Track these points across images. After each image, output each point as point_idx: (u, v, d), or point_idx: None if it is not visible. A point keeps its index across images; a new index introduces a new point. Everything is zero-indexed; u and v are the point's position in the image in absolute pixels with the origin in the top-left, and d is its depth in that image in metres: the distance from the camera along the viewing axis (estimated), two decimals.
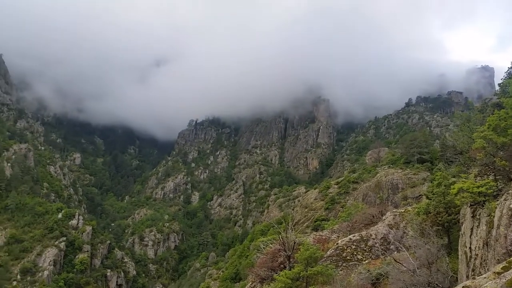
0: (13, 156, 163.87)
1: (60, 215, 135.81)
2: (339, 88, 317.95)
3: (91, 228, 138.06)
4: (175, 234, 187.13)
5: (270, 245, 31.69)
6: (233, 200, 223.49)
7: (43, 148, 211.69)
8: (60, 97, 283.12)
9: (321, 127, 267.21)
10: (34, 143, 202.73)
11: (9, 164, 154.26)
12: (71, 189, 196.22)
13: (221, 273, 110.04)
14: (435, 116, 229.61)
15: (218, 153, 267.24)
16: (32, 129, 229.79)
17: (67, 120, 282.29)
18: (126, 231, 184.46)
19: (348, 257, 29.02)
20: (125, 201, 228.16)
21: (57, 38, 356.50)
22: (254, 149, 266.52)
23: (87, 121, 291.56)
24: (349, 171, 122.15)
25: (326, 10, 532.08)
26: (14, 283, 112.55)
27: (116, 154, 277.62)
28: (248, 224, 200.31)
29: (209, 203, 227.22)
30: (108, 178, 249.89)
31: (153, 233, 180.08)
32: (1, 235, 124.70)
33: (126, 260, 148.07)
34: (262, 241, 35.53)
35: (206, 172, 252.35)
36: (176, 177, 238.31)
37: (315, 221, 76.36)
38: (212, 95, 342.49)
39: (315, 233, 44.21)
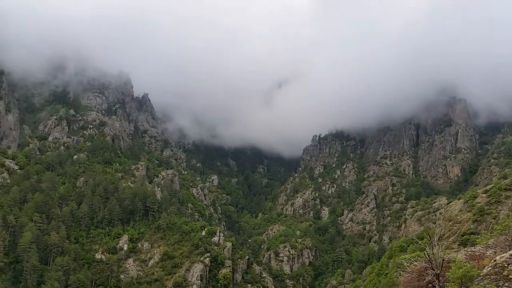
0: (162, 182, 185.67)
1: (203, 233, 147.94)
2: (477, 85, 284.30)
3: (231, 244, 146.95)
4: (308, 250, 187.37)
5: (415, 262, 29.44)
6: (365, 214, 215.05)
7: (186, 172, 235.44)
8: (197, 125, 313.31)
9: (459, 130, 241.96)
10: (178, 169, 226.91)
11: (159, 189, 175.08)
12: (212, 208, 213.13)
13: None
14: None
15: (344, 166, 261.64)
16: (176, 156, 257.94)
17: (204, 146, 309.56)
18: (262, 246, 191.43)
19: (510, 276, 25.27)
20: (258, 217, 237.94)
21: (191, 74, 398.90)
22: (384, 159, 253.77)
23: (220, 145, 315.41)
24: (499, 177, 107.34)
25: (449, 6, 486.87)
26: None
27: (247, 174, 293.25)
28: (384, 240, 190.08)
29: (339, 218, 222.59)
30: (242, 196, 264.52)
31: (287, 248, 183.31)
32: (156, 252, 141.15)
33: (264, 275, 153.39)
34: (405, 258, 33.25)
35: (333, 187, 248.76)
36: (304, 193, 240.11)
37: (463, 235, 68.71)
38: (334, 108, 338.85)
39: (465, 248, 39.70)
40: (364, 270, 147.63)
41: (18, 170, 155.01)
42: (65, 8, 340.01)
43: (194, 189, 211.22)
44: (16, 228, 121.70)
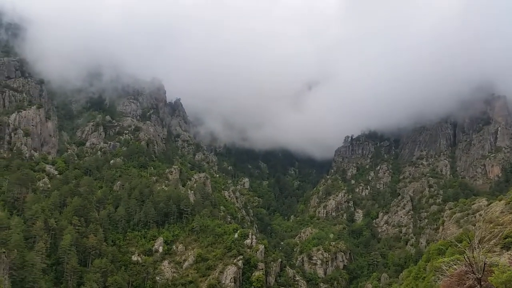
0: (195, 185, 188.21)
1: (236, 235, 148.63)
2: None
3: (263, 247, 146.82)
4: (342, 253, 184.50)
5: (454, 266, 28.36)
6: (401, 217, 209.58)
7: (217, 175, 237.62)
8: (228, 129, 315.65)
9: (499, 128, 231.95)
10: (210, 172, 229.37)
11: (192, 192, 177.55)
12: (243, 211, 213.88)
13: None
14: None
15: (378, 167, 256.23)
16: (208, 160, 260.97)
17: (235, 149, 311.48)
18: (294, 249, 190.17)
19: None
20: (290, 220, 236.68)
21: (221, 78, 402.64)
22: (420, 160, 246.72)
23: (251, 148, 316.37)
24: None
25: (483, 1, 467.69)
26: None
27: (278, 176, 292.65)
28: (421, 243, 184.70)
29: (374, 221, 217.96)
30: (274, 199, 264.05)
31: (320, 252, 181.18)
32: (190, 254, 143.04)
33: (297, 278, 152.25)
34: (444, 261, 32.10)
35: (367, 189, 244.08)
36: (337, 195, 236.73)
37: (505, 238, 65.69)
38: (367, 108, 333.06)
39: (508, 252, 37.98)
40: (401, 274, 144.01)
41: (58, 175, 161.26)
42: (100, 18, 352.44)
43: (226, 192, 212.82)
44: (57, 231, 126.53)
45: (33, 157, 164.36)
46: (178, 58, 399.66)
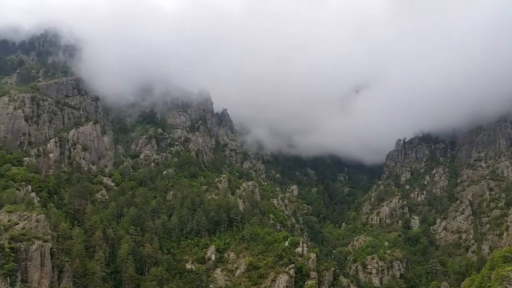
0: (243, 193, 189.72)
1: (286, 243, 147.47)
2: None
3: (315, 255, 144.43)
4: (399, 261, 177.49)
5: None
6: (460, 222, 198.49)
7: (265, 183, 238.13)
8: (274, 136, 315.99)
9: None
10: (258, 180, 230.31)
11: (241, 200, 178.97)
12: (293, 219, 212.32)
13: None
14: None
15: (434, 171, 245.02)
16: (255, 168, 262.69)
17: (281, 156, 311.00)
18: (347, 258, 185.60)
19: None
20: (342, 228, 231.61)
21: (265, 85, 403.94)
22: (478, 162, 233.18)
23: (298, 154, 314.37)
24: None
25: None
26: None
27: (327, 183, 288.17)
28: (483, 250, 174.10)
29: (431, 227, 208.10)
30: (324, 206, 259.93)
31: (375, 260, 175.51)
32: (242, 262, 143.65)
33: (352, 287, 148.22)
34: (510, 270, 29.96)
35: (423, 194, 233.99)
36: (390, 201, 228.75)
37: None
38: (418, 110, 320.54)
39: None
40: (462, 283, 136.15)
41: (115, 187, 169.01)
42: (150, 35, 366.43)
43: (275, 199, 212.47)
44: (115, 240, 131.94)
45: (91, 170, 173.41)
46: (224, 68, 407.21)
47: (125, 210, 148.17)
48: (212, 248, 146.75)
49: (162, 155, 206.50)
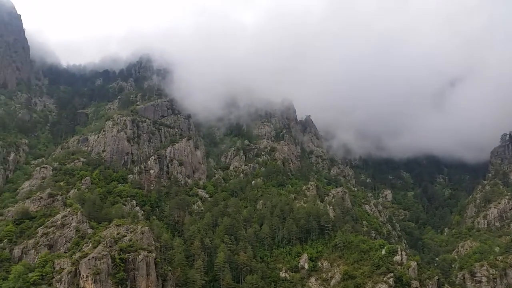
0: (333, 200, 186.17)
1: (383, 251, 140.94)
2: None
3: (415, 263, 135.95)
4: None
5: None
6: None
7: (356, 189, 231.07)
8: (361, 139, 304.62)
9: None
10: (348, 186, 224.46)
11: (331, 207, 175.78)
12: (389, 225, 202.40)
13: None
14: None
15: None
16: (344, 174, 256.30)
17: (371, 160, 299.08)
18: (452, 266, 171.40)
19: None
20: (444, 233, 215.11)
21: (349, 86, 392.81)
22: None
23: (390, 157, 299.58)
24: None
25: None
26: None
27: (425, 186, 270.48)
28: None
29: None
30: (422, 211, 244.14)
31: (485, 267, 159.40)
32: (337, 271, 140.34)
33: None
34: None
35: None
36: (499, 203, 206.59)
37: None
38: None
39: None
40: None
41: (209, 198, 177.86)
42: (234, 52, 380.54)
43: (367, 205, 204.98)
44: (212, 249, 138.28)
45: (187, 184, 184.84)
46: (306, 74, 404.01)
47: (219, 220, 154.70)
48: (304, 256, 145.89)
49: (250, 165, 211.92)
